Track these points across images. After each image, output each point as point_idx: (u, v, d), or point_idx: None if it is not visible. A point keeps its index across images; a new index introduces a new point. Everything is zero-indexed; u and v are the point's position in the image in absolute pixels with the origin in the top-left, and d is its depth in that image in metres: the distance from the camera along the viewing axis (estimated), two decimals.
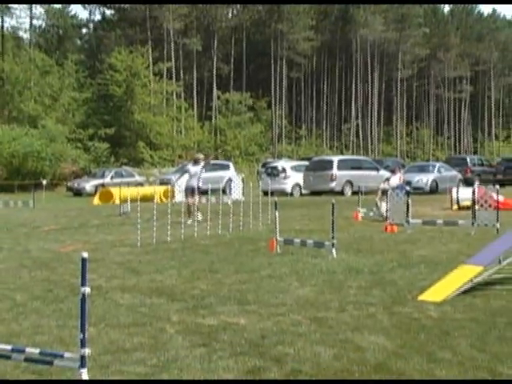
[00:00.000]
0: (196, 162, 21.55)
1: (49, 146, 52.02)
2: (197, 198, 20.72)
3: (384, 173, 34.74)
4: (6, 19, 75.47)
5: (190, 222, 19.13)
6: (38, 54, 68.30)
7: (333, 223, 12.68)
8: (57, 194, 46.59)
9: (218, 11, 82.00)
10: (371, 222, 19.69)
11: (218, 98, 79.57)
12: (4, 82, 64.55)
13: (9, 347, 5.95)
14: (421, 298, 8.82)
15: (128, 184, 36.71)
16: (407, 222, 17.37)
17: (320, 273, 10.90)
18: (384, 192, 20.38)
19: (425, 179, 35.39)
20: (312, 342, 6.84)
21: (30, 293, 9.67)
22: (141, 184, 42.71)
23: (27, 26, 77.12)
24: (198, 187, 20.92)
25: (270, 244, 13.63)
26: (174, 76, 75.94)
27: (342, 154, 75.19)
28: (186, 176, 21.75)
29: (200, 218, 19.82)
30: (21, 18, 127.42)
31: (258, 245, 14.55)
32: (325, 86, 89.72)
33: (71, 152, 56.17)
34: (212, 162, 34.81)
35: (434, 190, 34.74)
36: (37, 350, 5.79)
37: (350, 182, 34.54)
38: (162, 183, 37.74)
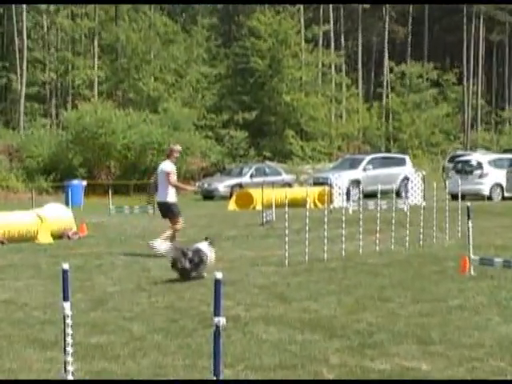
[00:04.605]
0: (170, 156, 17.69)
1: (172, 135, 53.09)
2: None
3: None
4: None
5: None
6: (160, 18, 69.56)
7: None
8: (182, 196, 47.61)
9: None
10: None
11: (391, 70, 79.10)
12: (118, 55, 66.51)
13: None
14: None
15: (272, 184, 37.10)
16: None
17: None
18: None
19: None
20: None
21: (149, 323, 9.96)
22: (289, 184, 43.04)
23: None
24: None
25: (462, 264, 13.46)
26: (332, 43, 76.02)
27: None
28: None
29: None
30: None
31: (445, 265, 14.41)
32: None
33: (200, 143, 56.94)
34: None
35: None
36: None
37: None
38: (317, 183, 37.94)
